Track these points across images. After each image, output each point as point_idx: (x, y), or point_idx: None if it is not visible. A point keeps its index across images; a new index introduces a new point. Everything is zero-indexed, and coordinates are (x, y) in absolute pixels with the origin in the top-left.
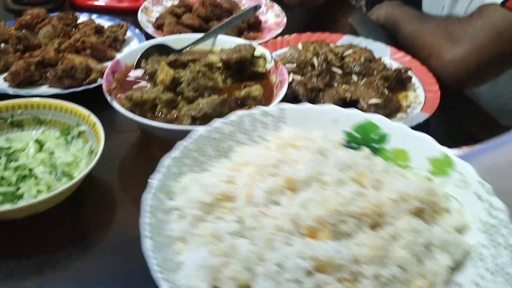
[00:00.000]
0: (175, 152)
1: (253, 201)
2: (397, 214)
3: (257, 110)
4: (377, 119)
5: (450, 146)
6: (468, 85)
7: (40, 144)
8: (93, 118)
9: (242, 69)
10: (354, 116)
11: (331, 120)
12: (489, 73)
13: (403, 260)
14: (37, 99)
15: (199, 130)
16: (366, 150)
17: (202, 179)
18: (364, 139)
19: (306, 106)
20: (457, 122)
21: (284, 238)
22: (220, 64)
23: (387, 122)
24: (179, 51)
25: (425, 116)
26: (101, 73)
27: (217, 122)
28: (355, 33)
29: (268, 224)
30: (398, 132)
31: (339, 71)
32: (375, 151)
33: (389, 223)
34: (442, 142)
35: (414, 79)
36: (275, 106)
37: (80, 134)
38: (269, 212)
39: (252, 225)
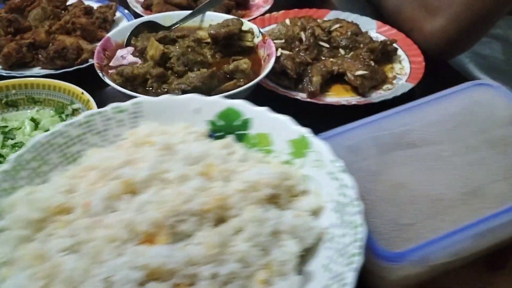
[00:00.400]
0: (4, 166)
1: (90, 210)
2: (245, 205)
3: (109, 107)
4: (239, 104)
5: None
6: (452, 54)
7: (35, 123)
8: (87, 96)
9: (231, 44)
10: (216, 104)
11: (193, 110)
12: (470, 39)
13: (245, 254)
14: (31, 79)
15: (37, 137)
16: (228, 139)
17: (37, 193)
18: (228, 127)
19: (164, 97)
20: (441, 90)
21: (116, 249)
22: (208, 40)
23: (248, 107)
24: (168, 28)
25: (410, 86)
26: (92, 53)
27: (60, 125)
28: (341, 8)
29: (100, 235)
30: (260, 116)
31: (326, 45)
32: (240, 138)
33: (235, 216)
34: None
35: (400, 51)
36: (129, 101)
37: (74, 111)
38: (105, 221)
39: (85, 238)
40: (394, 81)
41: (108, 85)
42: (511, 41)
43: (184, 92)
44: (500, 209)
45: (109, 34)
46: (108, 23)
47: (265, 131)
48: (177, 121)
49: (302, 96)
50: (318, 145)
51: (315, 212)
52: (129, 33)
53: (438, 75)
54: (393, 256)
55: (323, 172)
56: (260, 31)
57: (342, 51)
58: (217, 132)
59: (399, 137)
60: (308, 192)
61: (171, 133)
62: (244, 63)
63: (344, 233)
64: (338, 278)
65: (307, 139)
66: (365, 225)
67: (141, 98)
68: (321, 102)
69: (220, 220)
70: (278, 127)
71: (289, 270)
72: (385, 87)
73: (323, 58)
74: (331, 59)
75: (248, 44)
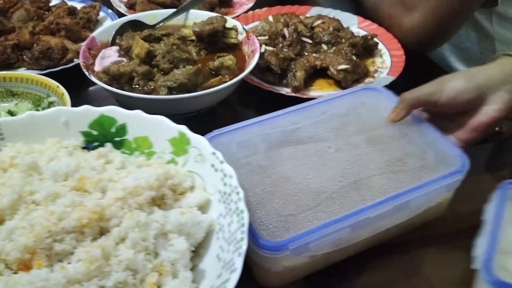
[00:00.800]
0: None
1: None
2: (125, 212)
3: None
4: (111, 111)
5: None
6: (430, 47)
7: (12, 115)
8: (61, 89)
9: (215, 41)
10: (86, 114)
11: (62, 123)
12: (447, 32)
13: (131, 261)
14: (9, 72)
15: None
16: (104, 148)
17: None
18: (104, 135)
19: (26, 115)
20: (422, 83)
21: None
22: (193, 37)
23: (121, 112)
24: (153, 27)
25: (391, 79)
26: (77, 53)
27: None
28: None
29: None
30: (135, 120)
31: (309, 41)
32: (118, 145)
33: (116, 225)
34: None
35: (381, 45)
36: None
37: (50, 104)
38: None
39: None
40: (376, 75)
41: (94, 84)
42: (486, 33)
43: (170, 89)
44: (376, 201)
45: (94, 34)
46: (92, 23)
47: (143, 134)
48: (48, 137)
49: (286, 91)
50: (197, 140)
51: (203, 206)
52: (114, 33)
53: (418, 68)
54: (273, 245)
55: (205, 165)
56: (244, 28)
57: (324, 46)
58: (93, 142)
59: (288, 134)
60: (194, 187)
61: (40, 151)
62: (229, 59)
63: (230, 221)
64: (228, 266)
65: (186, 136)
66: (247, 210)
67: (1, 119)
68: (305, 96)
69: (102, 233)
70: (156, 128)
71: (180, 268)
72: (367, 80)
73: (306, 54)
74: (314, 54)
75: (232, 41)
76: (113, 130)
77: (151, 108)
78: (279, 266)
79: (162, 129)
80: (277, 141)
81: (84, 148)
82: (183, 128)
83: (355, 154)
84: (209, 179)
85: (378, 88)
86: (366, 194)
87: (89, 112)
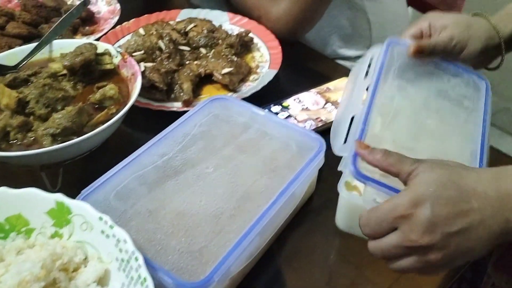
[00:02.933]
0: None
1: None
2: None
3: None
4: None
5: (302, 91)
6: (300, 33)
7: None
8: None
9: (90, 71)
10: None
11: None
12: (315, 16)
13: None
14: None
15: None
16: None
17: None
18: None
19: None
20: (304, 69)
21: None
22: (64, 71)
23: None
24: (15, 67)
25: (274, 72)
26: None
27: None
28: (192, 5)
29: None
30: (1, 198)
31: (187, 48)
32: None
33: None
34: (294, 91)
35: (256, 39)
36: None
37: None
38: None
39: None
40: (258, 70)
41: None
42: (358, 7)
43: (54, 136)
44: (271, 202)
45: None
46: None
47: (15, 212)
48: None
49: (177, 106)
50: (79, 206)
51: (103, 279)
52: None
53: (298, 55)
54: (199, 285)
55: (95, 233)
56: (117, 51)
57: (203, 50)
58: None
59: (163, 168)
60: (88, 259)
61: None
62: (110, 89)
63: None
64: None
65: (65, 205)
66: (150, 277)
67: None
68: None
69: None
70: (28, 202)
71: None
72: (251, 77)
73: (187, 62)
74: (196, 62)
75: (108, 66)
76: None
77: (38, 160)
78: None
79: (36, 202)
80: (155, 180)
81: None
82: (60, 197)
83: (234, 165)
84: (102, 247)
85: (224, 97)
86: (259, 199)
87: None
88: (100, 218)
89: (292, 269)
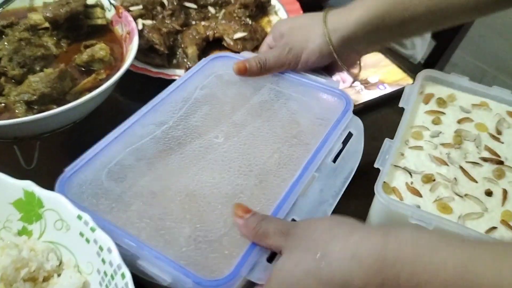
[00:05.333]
0: None
1: None
2: None
3: None
4: None
5: None
6: None
7: None
8: None
9: (77, 25)
10: None
11: None
12: None
13: None
14: None
15: None
16: None
17: None
18: None
19: None
20: None
21: None
22: (46, 25)
23: None
24: None
25: None
26: None
27: None
28: None
29: None
30: None
31: (193, 5)
32: None
33: None
34: None
35: (274, 1)
36: None
37: None
38: None
39: None
40: None
41: None
42: None
43: (29, 104)
44: (298, 174)
45: None
46: None
47: None
48: None
49: (180, 74)
50: (53, 199)
51: None
52: None
53: None
54: (223, 282)
55: (72, 234)
56: (110, 3)
57: (212, 10)
58: None
59: (162, 139)
60: (62, 267)
61: None
62: (100, 49)
63: None
64: None
65: (35, 195)
66: None
67: None
68: None
69: None
70: None
71: None
72: None
73: (193, 23)
74: (203, 23)
75: (100, 21)
76: None
77: (8, 132)
78: None
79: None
80: (155, 154)
81: None
82: (29, 185)
83: (247, 133)
84: (81, 254)
85: (226, 55)
86: (283, 172)
87: None
88: (79, 217)
89: None
